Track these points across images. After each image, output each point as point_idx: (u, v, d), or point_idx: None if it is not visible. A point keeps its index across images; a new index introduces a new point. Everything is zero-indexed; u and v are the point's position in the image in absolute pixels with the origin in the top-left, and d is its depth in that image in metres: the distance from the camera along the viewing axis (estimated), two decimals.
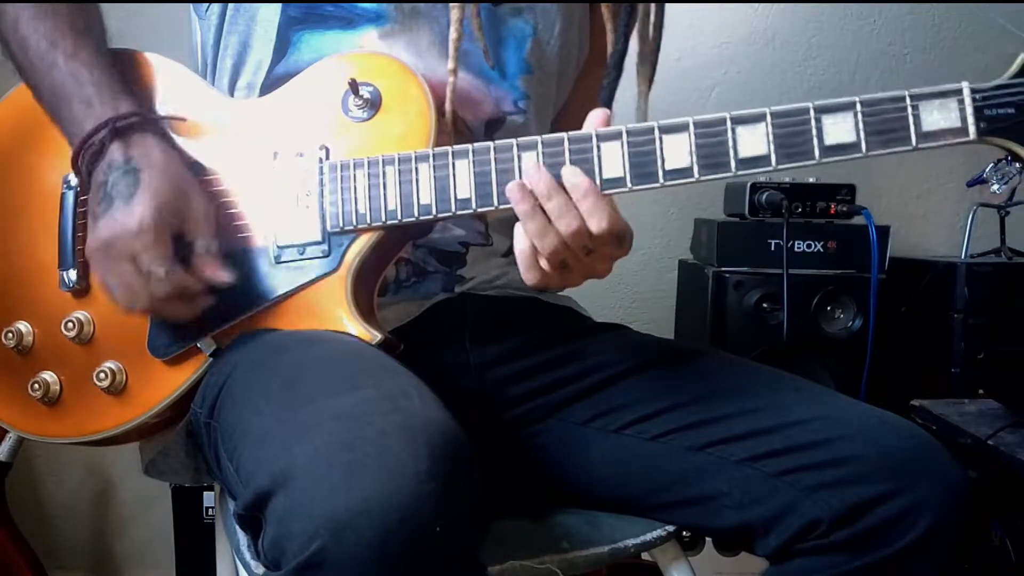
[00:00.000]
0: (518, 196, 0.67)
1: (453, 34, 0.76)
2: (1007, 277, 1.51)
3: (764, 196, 1.46)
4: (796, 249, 1.47)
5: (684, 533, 0.83)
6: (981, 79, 0.65)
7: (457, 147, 0.71)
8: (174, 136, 0.76)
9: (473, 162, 0.70)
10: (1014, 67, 0.64)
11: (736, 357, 0.84)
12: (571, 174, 0.66)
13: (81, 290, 0.79)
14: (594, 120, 0.68)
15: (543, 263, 0.68)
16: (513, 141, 0.69)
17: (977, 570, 1.25)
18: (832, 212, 1.48)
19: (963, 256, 1.61)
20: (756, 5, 1.83)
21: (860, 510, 0.68)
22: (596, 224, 0.65)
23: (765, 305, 1.46)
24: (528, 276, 0.69)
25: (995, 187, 1.35)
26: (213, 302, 0.73)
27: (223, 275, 0.72)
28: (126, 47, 0.80)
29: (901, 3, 1.83)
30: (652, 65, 0.84)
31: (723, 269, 1.48)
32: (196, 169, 0.75)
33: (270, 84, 0.80)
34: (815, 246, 1.49)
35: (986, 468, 1.14)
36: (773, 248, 1.47)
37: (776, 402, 0.75)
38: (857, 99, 0.65)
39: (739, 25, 1.83)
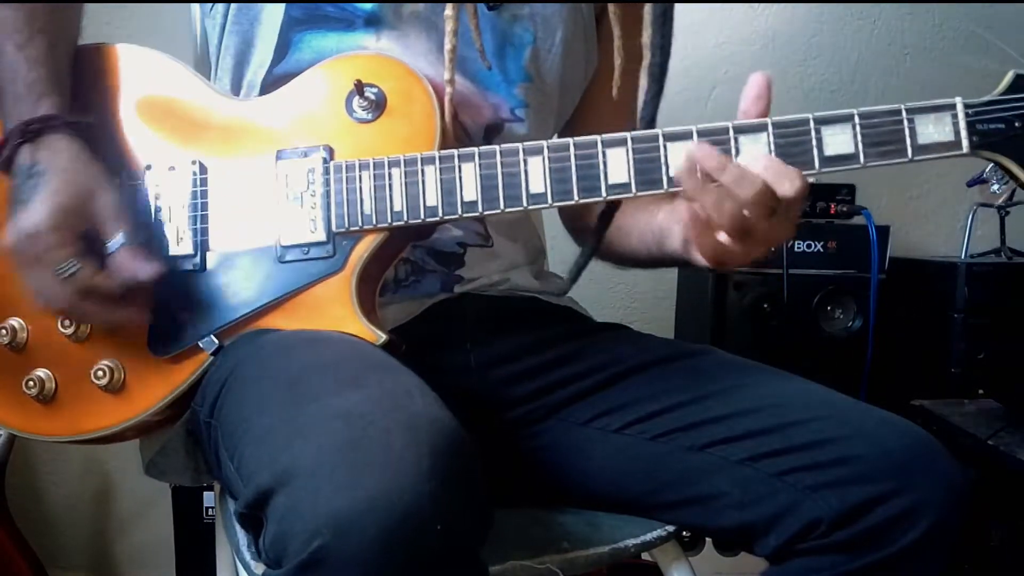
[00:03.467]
0: (686, 175, 0.66)
1: (448, 44, 0.75)
2: (1007, 277, 1.51)
3: None
4: (796, 249, 1.48)
5: (684, 533, 0.83)
6: (980, 80, 0.66)
7: (463, 150, 0.71)
8: (120, 139, 0.76)
9: (479, 165, 0.70)
10: (1003, 84, 0.66)
11: (736, 357, 0.84)
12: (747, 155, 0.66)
13: None
14: (754, 85, 0.68)
15: (723, 237, 0.67)
16: (519, 145, 0.70)
17: (977, 570, 1.25)
18: (832, 212, 1.49)
19: (963, 256, 1.61)
20: (756, 5, 1.83)
21: (860, 510, 0.68)
22: (789, 187, 0.64)
23: (765, 305, 1.46)
24: (706, 254, 0.69)
25: (995, 187, 1.35)
26: (145, 319, 0.73)
27: (143, 268, 0.70)
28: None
29: (901, 3, 1.83)
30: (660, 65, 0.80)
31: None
32: (124, 172, 0.75)
33: (270, 84, 0.80)
34: (815, 246, 1.49)
35: (986, 468, 1.14)
36: (773, 248, 1.47)
37: (776, 402, 0.75)
38: (855, 111, 0.66)
39: (739, 25, 1.83)
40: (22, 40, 0.73)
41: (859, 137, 0.66)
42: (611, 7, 0.81)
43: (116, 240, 0.71)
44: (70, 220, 0.69)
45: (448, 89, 0.75)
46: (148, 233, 0.74)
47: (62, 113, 0.72)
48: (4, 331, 0.79)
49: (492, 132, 0.84)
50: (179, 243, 0.75)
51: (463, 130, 0.81)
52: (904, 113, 0.66)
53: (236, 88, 0.83)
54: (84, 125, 0.74)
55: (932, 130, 0.66)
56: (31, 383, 0.78)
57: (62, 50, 0.75)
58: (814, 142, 0.67)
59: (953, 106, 0.66)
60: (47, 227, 0.68)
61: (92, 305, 0.71)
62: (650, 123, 0.76)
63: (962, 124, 0.65)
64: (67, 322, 0.77)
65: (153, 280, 0.71)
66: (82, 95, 0.77)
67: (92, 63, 0.79)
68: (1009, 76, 0.66)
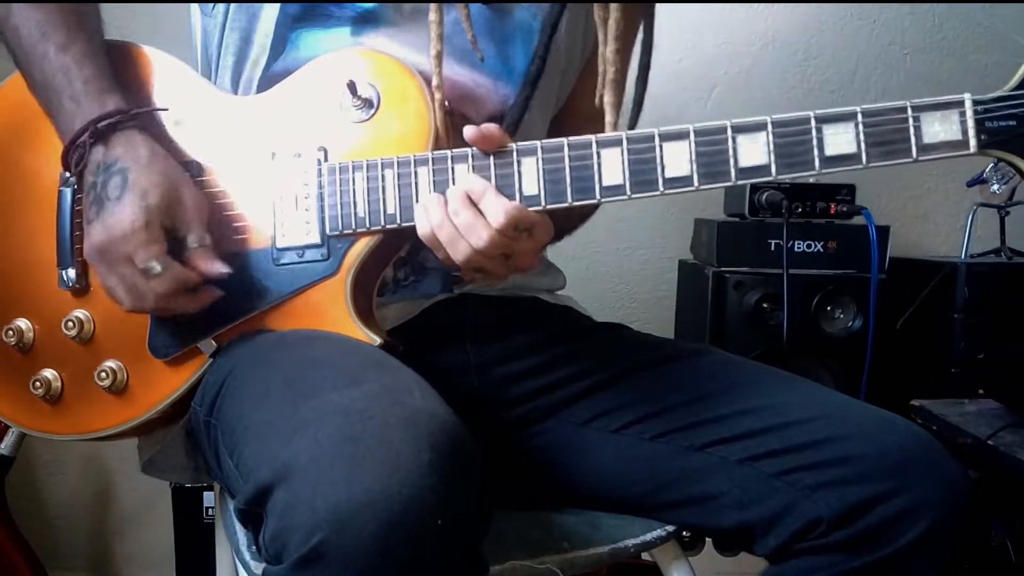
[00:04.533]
0: (434, 202, 0.68)
1: (433, 50, 0.74)
2: (1007, 277, 1.50)
3: (764, 196, 1.46)
4: (796, 249, 1.47)
5: (684, 533, 0.83)
6: (982, 80, 0.65)
7: (456, 151, 0.70)
8: (169, 131, 0.76)
9: (472, 167, 0.70)
10: (1016, 78, 0.63)
11: (736, 357, 0.84)
12: (465, 180, 0.68)
13: (81, 289, 0.78)
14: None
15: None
16: (513, 146, 0.69)
17: (977, 570, 1.24)
18: (832, 212, 1.48)
19: (963, 256, 1.60)
20: (756, 5, 1.83)
21: (860, 510, 0.68)
22: (495, 219, 0.66)
23: (765, 305, 1.45)
24: (448, 264, 0.70)
25: (995, 187, 1.35)
26: (219, 295, 0.73)
27: (218, 267, 0.71)
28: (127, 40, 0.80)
29: (901, 3, 1.83)
30: (619, 93, 0.79)
31: (723, 269, 1.48)
32: (191, 167, 0.75)
33: (267, 81, 0.79)
34: (815, 246, 1.49)
35: (986, 468, 1.14)
36: (773, 248, 1.46)
37: (776, 401, 0.75)
38: (858, 109, 0.64)
39: (739, 25, 1.83)
40: (63, 40, 0.73)
41: (862, 136, 0.64)
42: (596, 8, 0.79)
43: (197, 236, 0.71)
44: (159, 217, 0.69)
45: (437, 95, 0.74)
46: (218, 231, 0.74)
47: (129, 107, 0.73)
48: (11, 332, 0.79)
49: (495, 122, 0.84)
50: None
51: (465, 122, 0.81)
52: (909, 111, 0.64)
53: (235, 85, 0.83)
54: (150, 118, 0.74)
55: (938, 128, 0.63)
56: (38, 383, 0.78)
57: (101, 47, 0.75)
58: (814, 141, 0.65)
59: (961, 103, 0.63)
60: (140, 225, 0.68)
61: (175, 301, 0.71)
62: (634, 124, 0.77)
63: (970, 122, 0.63)
64: (71, 323, 0.77)
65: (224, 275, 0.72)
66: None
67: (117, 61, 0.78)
68: (1022, 70, 0.62)
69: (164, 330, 0.75)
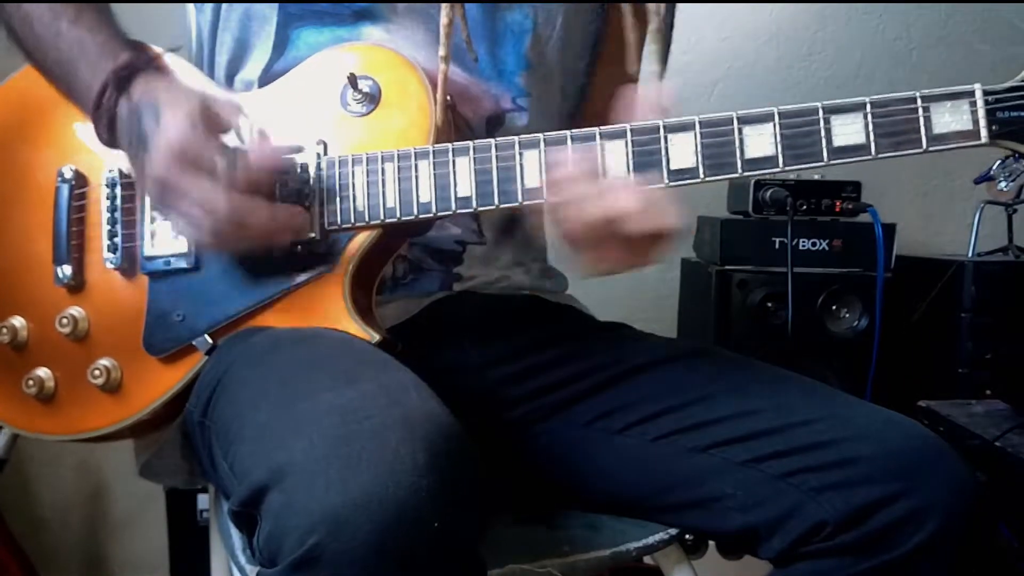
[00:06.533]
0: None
1: (444, 19, 0.74)
2: (1015, 276, 1.50)
3: (768, 193, 1.45)
4: (801, 247, 1.46)
5: (687, 536, 0.82)
6: (989, 75, 0.64)
7: (457, 144, 0.70)
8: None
9: (474, 160, 0.69)
10: None
11: (740, 357, 0.83)
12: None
13: (76, 286, 0.78)
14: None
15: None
16: (515, 139, 0.69)
17: (984, 572, 1.23)
18: (837, 209, 1.47)
19: (970, 254, 1.59)
20: None
21: (866, 512, 0.67)
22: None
23: (769, 304, 1.45)
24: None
25: (1002, 184, 1.34)
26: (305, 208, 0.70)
27: (278, 149, 0.69)
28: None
29: (908, 1, 1.82)
30: (665, 44, 0.81)
31: (727, 268, 1.47)
32: None
33: (267, 80, 0.79)
34: (820, 244, 1.48)
35: (993, 469, 1.13)
36: (777, 246, 1.46)
37: (780, 402, 0.74)
38: (867, 100, 0.64)
39: (743, 19, 1.82)
40: (73, 15, 0.73)
41: (870, 127, 0.64)
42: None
43: (242, 127, 0.69)
44: (203, 119, 0.67)
45: (442, 66, 0.73)
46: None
47: (140, 53, 0.72)
48: (4, 329, 0.79)
49: (494, 124, 0.83)
50: (174, 241, 0.75)
51: (465, 122, 0.80)
52: (919, 101, 0.63)
53: (230, 84, 0.82)
54: (165, 62, 0.73)
55: (948, 118, 0.63)
56: (31, 382, 0.78)
57: (111, 17, 0.75)
58: (822, 132, 0.64)
59: (971, 93, 0.63)
60: (187, 128, 0.66)
61: (254, 200, 0.66)
62: None
63: (981, 112, 0.63)
64: (64, 321, 0.77)
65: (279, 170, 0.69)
66: None
67: None
68: None
69: (160, 326, 0.75)
